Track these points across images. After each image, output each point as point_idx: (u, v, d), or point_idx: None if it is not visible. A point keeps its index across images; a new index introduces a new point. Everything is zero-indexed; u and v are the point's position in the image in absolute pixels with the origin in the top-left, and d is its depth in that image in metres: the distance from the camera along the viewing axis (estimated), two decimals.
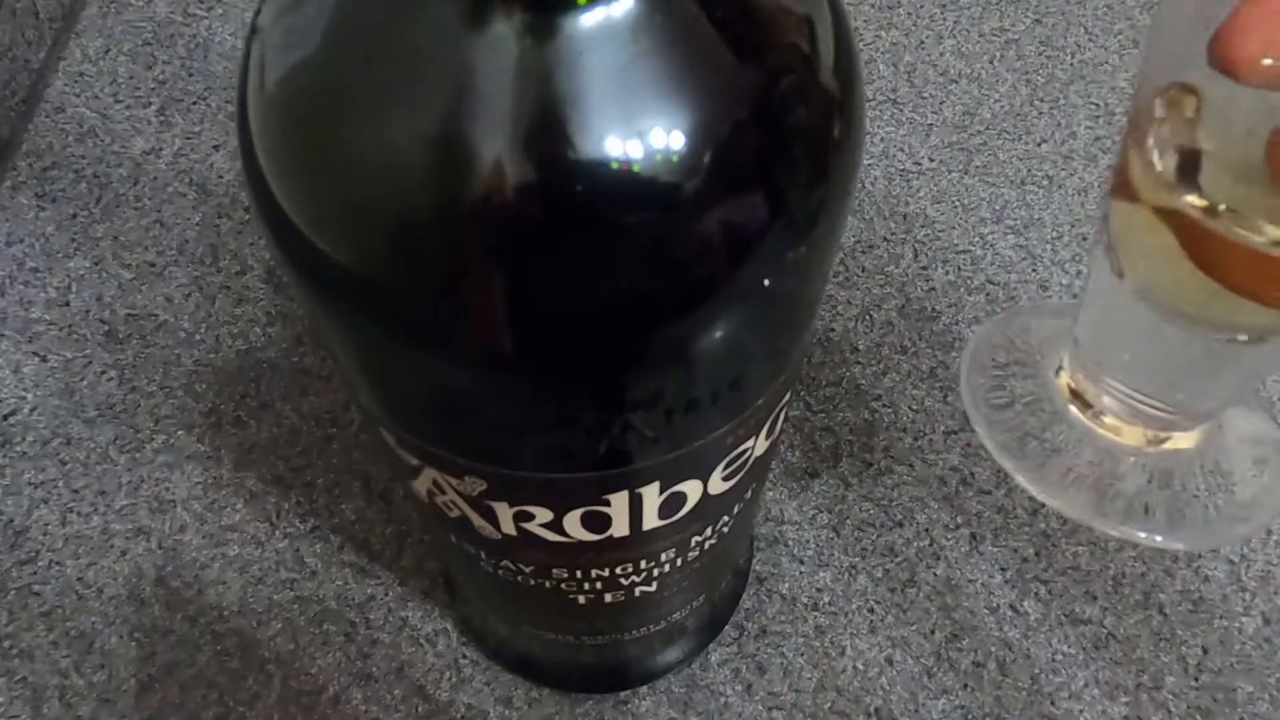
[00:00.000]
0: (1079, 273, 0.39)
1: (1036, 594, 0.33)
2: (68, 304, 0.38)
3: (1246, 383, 0.29)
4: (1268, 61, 0.15)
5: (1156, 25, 0.21)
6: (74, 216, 0.40)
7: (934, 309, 0.39)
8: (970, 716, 0.31)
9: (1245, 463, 0.30)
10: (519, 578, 0.22)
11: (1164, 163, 0.22)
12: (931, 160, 0.42)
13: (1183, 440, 0.29)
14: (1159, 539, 0.28)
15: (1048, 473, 0.29)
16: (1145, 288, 0.25)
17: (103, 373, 0.37)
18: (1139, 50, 0.45)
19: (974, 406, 0.31)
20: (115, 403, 0.36)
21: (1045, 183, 0.42)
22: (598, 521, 0.19)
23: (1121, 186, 0.24)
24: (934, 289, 0.39)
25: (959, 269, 0.40)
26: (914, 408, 0.37)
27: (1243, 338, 0.24)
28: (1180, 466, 0.29)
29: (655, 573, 0.23)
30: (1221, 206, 0.21)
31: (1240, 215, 0.21)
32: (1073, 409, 0.30)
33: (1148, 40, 0.21)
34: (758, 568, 0.34)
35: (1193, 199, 0.21)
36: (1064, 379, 0.30)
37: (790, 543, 0.34)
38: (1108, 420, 0.29)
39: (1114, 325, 0.27)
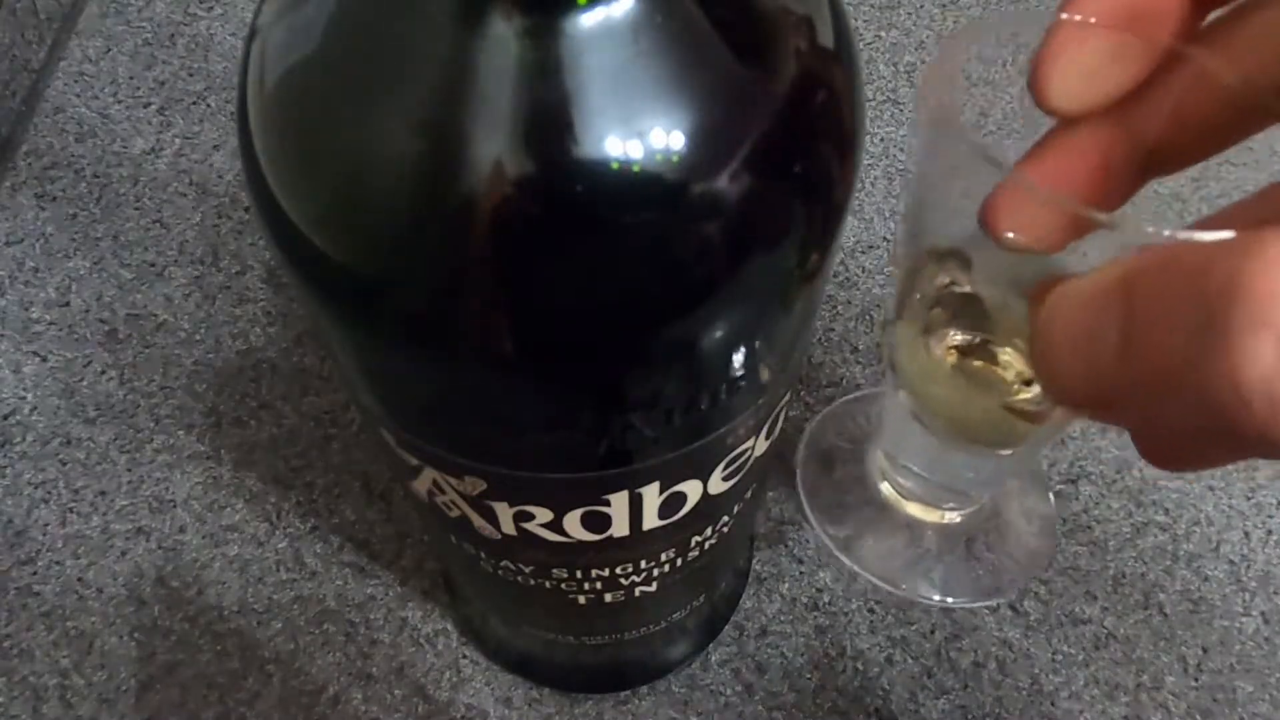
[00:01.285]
0: None
1: (1036, 594, 0.33)
2: (68, 304, 0.38)
3: (1016, 470, 0.34)
4: (1015, 237, 0.17)
5: (915, 193, 0.23)
6: (74, 216, 0.40)
7: None
8: (970, 716, 0.31)
9: (1022, 526, 0.35)
10: (519, 578, 0.22)
11: (924, 313, 0.24)
12: None
13: (971, 513, 0.33)
14: (950, 600, 0.33)
15: (862, 545, 0.33)
16: (917, 410, 0.27)
17: (103, 373, 0.37)
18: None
19: (804, 486, 0.35)
20: (115, 403, 0.36)
21: None
22: (598, 521, 0.19)
23: (900, 311, 0.25)
24: None
25: None
26: None
27: (1006, 452, 0.27)
28: (970, 535, 0.34)
29: (655, 573, 0.23)
30: (976, 340, 0.23)
31: (989, 362, 0.23)
32: (884, 488, 0.34)
33: (911, 198, 0.22)
34: (758, 568, 0.34)
35: (955, 338, 0.23)
36: (876, 463, 0.34)
37: (790, 543, 0.34)
38: (908, 500, 0.33)
39: (900, 428, 0.30)
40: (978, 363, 0.24)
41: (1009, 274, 0.21)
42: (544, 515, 0.19)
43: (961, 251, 0.22)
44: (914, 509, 0.33)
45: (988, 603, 0.33)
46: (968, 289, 0.22)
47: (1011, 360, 0.23)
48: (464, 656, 0.32)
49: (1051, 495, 0.35)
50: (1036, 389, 0.23)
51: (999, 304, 0.22)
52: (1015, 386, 0.23)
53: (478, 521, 0.20)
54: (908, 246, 0.23)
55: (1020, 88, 0.17)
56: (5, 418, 0.36)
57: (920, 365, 0.25)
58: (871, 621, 0.33)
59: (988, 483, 0.32)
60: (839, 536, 0.34)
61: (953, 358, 0.24)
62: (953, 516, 0.33)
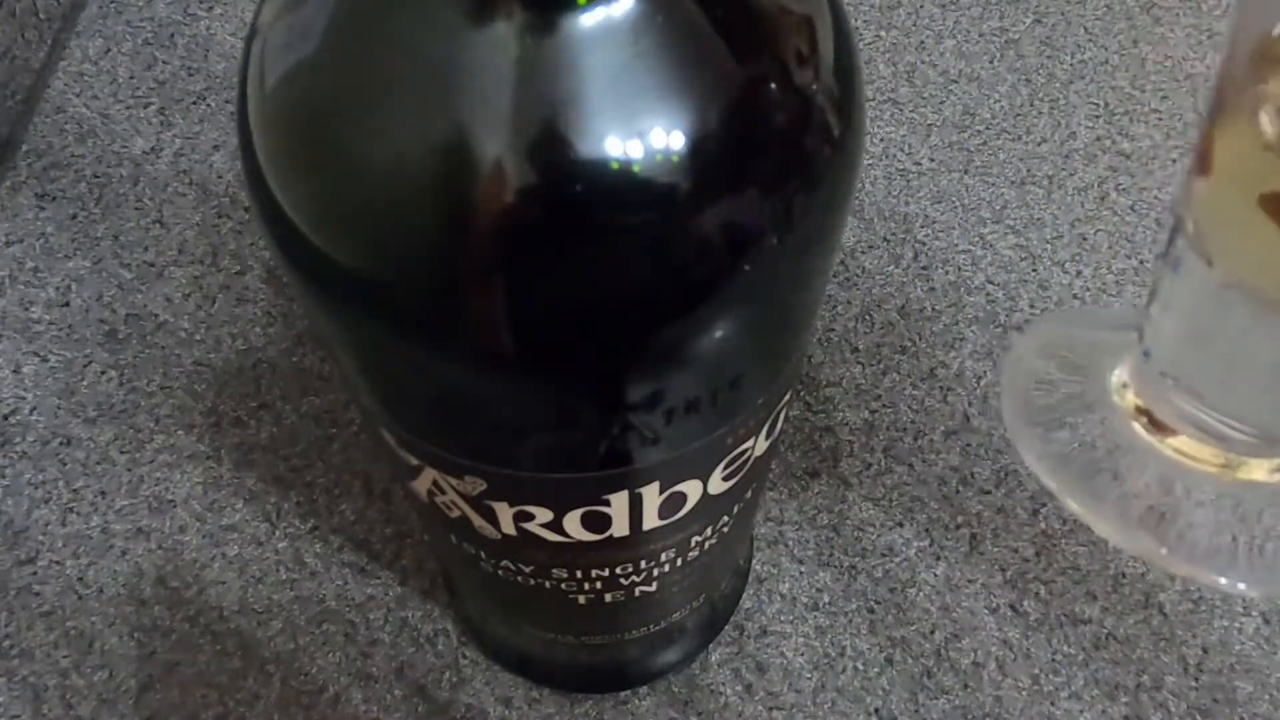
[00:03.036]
0: (1079, 273, 0.39)
1: (1036, 594, 0.33)
2: (68, 304, 0.38)
3: None
4: None
5: None
6: (74, 216, 0.40)
7: (934, 309, 0.39)
8: (970, 716, 0.31)
9: None
10: (519, 578, 0.22)
11: (1271, 128, 0.19)
12: (931, 160, 0.42)
13: (1259, 471, 0.25)
14: (1241, 586, 0.25)
15: (1108, 502, 0.26)
16: (1239, 276, 0.21)
17: (103, 373, 0.37)
18: (1137, 50, 0.45)
19: (1018, 428, 0.27)
20: (115, 403, 0.36)
21: (1045, 183, 0.42)
22: (598, 521, 0.19)
23: (1208, 163, 0.21)
24: (934, 289, 0.39)
25: (959, 269, 0.40)
26: (914, 408, 0.37)
27: None
28: (1258, 500, 0.26)
29: (655, 573, 0.23)
30: None
31: None
32: (1137, 428, 0.26)
33: None
34: (758, 568, 0.34)
35: None
36: (1128, 395, 0.26)
37: (790, 543, 0.34)
38: (1178, 442, 0.25)
39: (1197, 327, 0.24)
40: None
41: None
42: (544, 515, 0.19)
43: None
44: (1186, 456, 0.25)
45: None
46: None
47: None
48: (464, 656, 0.32)
49: None
50: None
51: None
52: None
53: (478, 521, 0.20)
54: (1229, 47, 0.19)
55: None
56: (5, 418, 0.36)
57: (1242, 220, 0.20)
58: (871, 621, 0.33)
59: None
60: (1078, 494, 0.26)
61: None
62: (1237, 468, 0.25)
